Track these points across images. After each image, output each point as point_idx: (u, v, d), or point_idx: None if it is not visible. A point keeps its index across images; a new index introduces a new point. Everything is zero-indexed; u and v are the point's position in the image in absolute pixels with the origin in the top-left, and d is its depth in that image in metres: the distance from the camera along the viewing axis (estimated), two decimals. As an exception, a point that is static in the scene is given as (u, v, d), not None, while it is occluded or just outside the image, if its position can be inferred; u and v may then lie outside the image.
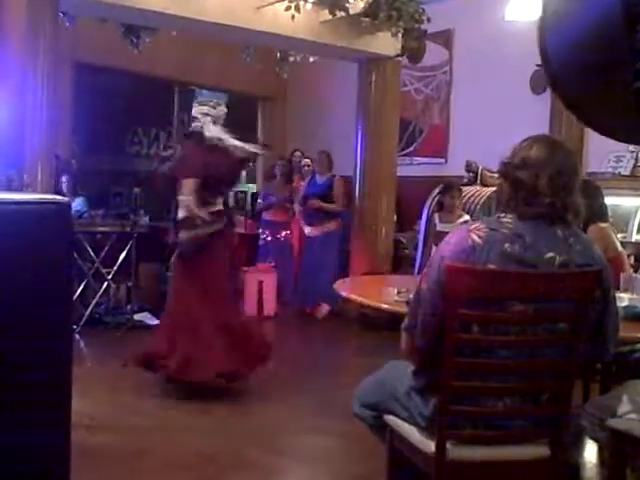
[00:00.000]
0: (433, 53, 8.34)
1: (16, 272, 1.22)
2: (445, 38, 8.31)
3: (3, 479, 1.26)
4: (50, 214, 1.26)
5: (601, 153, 6.27)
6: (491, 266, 2.14)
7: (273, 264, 7.76)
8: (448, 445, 2.21)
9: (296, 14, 6.05)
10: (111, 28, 6.90)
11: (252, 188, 10.98)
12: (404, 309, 2.64)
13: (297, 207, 7.80)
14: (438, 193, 6.73)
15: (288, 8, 6.02)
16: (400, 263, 7.62)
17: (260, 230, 8.12)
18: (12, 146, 4.84)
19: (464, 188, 6.65)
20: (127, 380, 4.62)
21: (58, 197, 1.34)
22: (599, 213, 3.57)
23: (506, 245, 2.15)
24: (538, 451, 2.29)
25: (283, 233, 7.94)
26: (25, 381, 1.25)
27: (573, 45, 0.74)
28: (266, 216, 8.05)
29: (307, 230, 7.64)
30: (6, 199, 1.28)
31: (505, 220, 2.20)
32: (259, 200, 8.30)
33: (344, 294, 3.50)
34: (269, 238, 7.97)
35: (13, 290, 1.22)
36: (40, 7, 5.07)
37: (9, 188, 4.29)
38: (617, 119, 0.94)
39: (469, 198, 6.67)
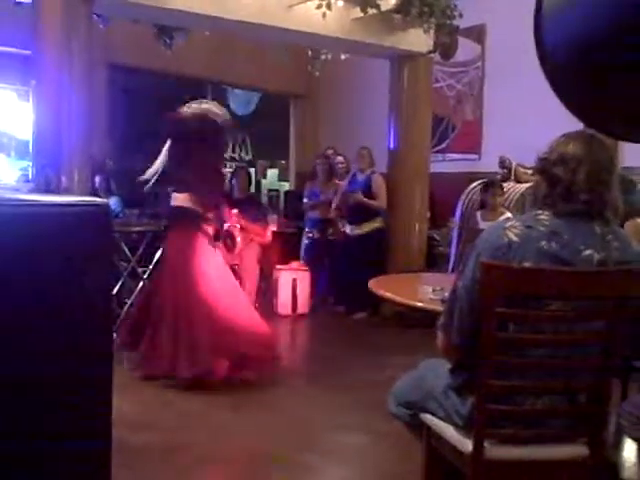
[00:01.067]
0: (465, 49, 8.29)
1: (58, 273, 1.23)
2: (477, 33, 8.26)
3: (47, 477, 1.28)
4: (90, 216, 1.27)
5: (638, 147, 6.17)
6: (527, 264, 2.12)
7: (324, 262, 7.78)
8: (486, 444, 2.20)
9: (327, 12, 6.05)
10: (143, 29, 6.96)
11: (285, 186, 11.03)
12: (439, 307, 2.63)
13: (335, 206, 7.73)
14: (476, 189, 6.68)
15: (319, 6, 6.03)
16: (434, 260, 7.58)
17: (306, 229, 8.10)
18: (49, 148, 4.90)
19: (497, 184, 6.60)
20: (164, 380, 4.66)
21: (98, 199, 1.35)
22: (636, 208, 3.52)
23: (542, 243, 2.13)
24: (577, 450, 2.26)
25: (330, 231, 7.90)
26: (66, 381, 1.27)
27: (578, 41, 0.67)
28: (312, 215, 8.01)
29: (348, 229, 7.51)
30: (48, 201, 1.30)
31: (542, 217, 2.18)
32: (305, 200, 8.19)
33: (379, 293, 3.50)
34: (317, 236, 7.95)
35: (55, 293, 1.23)
36: (75, 10, 5.13)
37: (47, 189, 4.35)
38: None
39: (503, 195, 6.62)
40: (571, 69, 0.68)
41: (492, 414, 2.20)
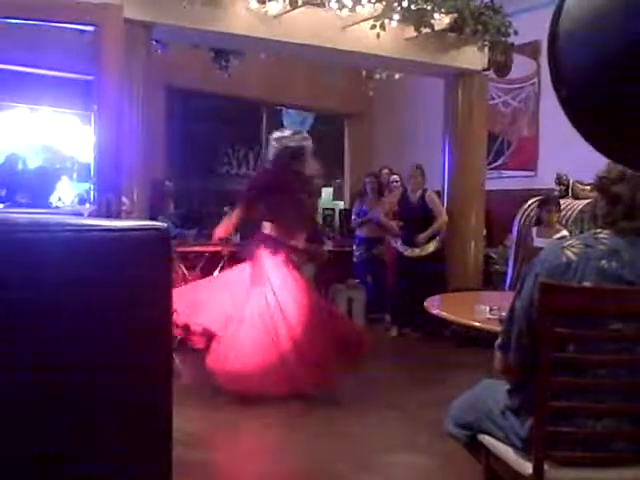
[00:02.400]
0: (520, 65, 8.21)
1: (118, 298, 1.25)
2: (532, 49, 8.18)
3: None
4: (150, 240, 1.29)
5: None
6: (587, 284, 2.09)
7: (370, 281, 7.77)
8: (545, 466, 2.16)
9: (381, 32, 6.08)
10: (200, 53, 7.10)
11: (340, 205, 11.05)
12: (496, 327, 2.61)
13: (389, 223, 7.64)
14: (533, 205, 6.59)
15: (373, 27, 6.06)
16: (490, 279, 7.50)
17: (354, 247, 8.10)
18: (110, 170, 5.01)
19: (554, 201, 6.50)
20: (220, 397, 4.70)
21: (158, 223, 1.38)
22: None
23: (602, 262, 2.10)
24: (640, 474, 2.21)
25: (376, 249, 7.87)
26: (127, 401, 1.30)
27: (595, 60, 0.58)
28: (360, 233, 8.01)
29: (404, 249, 7.35)
30: (108, 226, 1.32)
31: (601, 236, 2.15)
32: (354, 217, 8.21)
33: (435, 312, 3.48)
34: (364, 254, 7.94)
35: (115, 318, 1.25)
36: (135, 36, 5.27)
37: (108, 212, 4.44)
38: None
39: (560, 212, 6.52)
40: (589, 94, 0.61)
41: (551, 436, 2.17)
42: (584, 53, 0.62)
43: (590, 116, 0.64)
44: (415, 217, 7.25)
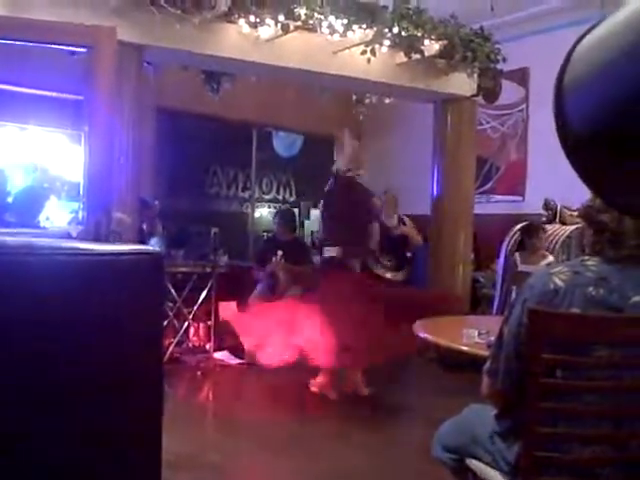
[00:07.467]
0: (509, 91, 8.29)
1: (109, 323, 1.25)
2: (521, 76, 8.27)
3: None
4: (144, 265, 1.30)
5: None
6: (574, 310, 2.11)
7: None
8: (533, 492, 2.17)
9: (372, 57, 6.13)
10: (191, 75, 7.14)
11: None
12: (485, 352, 2.62)
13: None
14: (517, 231, 6.63)
15: (364, 52, 6.11)
16: (478, 303, 7.52)
17: None
18: (100, 190, 5.02)
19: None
20: (208, 418, 4.68)
21: (150, 247, 1.38)
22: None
23: (590, 289, 2.12)
24: (628, 500, 2.21)
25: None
26: (119, 422, 1.30)
27: (603, 111, 0.54)
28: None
29: (390, 275, 7.36)
30: (100, 250, 1.31)
31: (589, 263, 2.17)
32: None
33: (422, 336, 3.48)
34: None
35: (106, 342, 1.25)
36: (127, 58, 5.29)
37: (97, 233, 4.43)
38: None
39: (548, 237, 6.57)
40: (595, 143, 0.59)
41: (539, 461, 2.17)
42: (593, 100, 0.62)
43: (597, 166, 0.64)
44: (394, 240, 7.31)
